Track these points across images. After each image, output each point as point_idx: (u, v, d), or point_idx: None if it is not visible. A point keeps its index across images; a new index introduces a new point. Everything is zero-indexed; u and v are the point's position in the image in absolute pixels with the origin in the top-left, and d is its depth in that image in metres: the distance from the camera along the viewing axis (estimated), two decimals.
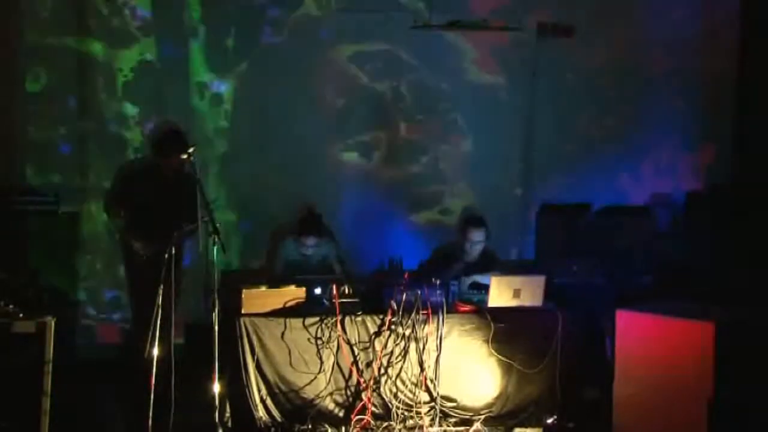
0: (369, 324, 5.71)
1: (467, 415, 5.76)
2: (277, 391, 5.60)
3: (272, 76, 7.39)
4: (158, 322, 5.09)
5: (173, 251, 5.23)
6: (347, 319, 5.67)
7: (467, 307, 5.87)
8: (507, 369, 5.83)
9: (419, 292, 5.68)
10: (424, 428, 5.63)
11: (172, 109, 7.20)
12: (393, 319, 5.67)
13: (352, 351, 5.68)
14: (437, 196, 7.72)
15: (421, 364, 5.72)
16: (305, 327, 5.62)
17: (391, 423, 5.63)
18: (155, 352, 5.11)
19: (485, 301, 5.85)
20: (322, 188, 7.45)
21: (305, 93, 7.47)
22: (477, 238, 6.34)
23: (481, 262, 6.36)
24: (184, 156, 5.41)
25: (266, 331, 5.57)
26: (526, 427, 5.79)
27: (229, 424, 5.49)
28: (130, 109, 7.18)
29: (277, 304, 5.64)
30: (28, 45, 7.00)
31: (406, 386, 5.73)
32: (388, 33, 7.53)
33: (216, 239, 5.19)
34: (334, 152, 7.57)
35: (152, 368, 5.09)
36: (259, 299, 5.62)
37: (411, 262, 6.43)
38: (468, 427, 5.71)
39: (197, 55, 7.28)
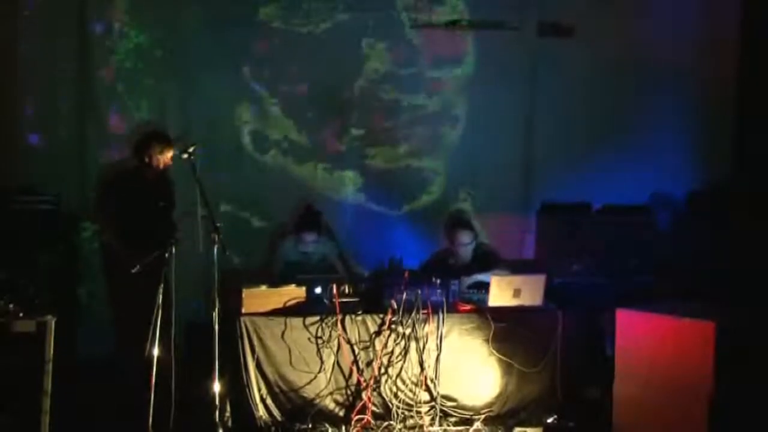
0: (369, 323, 5.72)
1: (467, 414, 5.77)
2: (277, 390, 5.60)
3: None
4: (158, 322, 5.10)
5: (173, 250, 5.24)
6: (347, 318, 5.67)
7: (467, 307, 5.87)
8: (507, 368, 5.83)
9: (419, 291, 5.68)
10: (425, 428, 5.64)
11: (173, 108, 7.21)
12: (393, 319, 5.68)
13: (353, 350, 5.69)
14: (437, 196, 7.71)
15: (421, 363, 5.73)
16: (305, 326, 5.63)
17: (392, 422, 5.64)
18: (155, 352, 5.11)
19: (485, 301, 5.86)
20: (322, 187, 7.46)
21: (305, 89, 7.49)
22: (464, 241, 6.39)
23: (482, 261, 6.37)
24: (185, 155, 5.42)
25: (266, 330, 5.58)
26: (526, 426, 5.79)
27: (229, 423, 5.50)
28: (131, 108, 7.17)
29: (278, 304, 5.65)
30: (28, 45, 6.99)
31: (407, 386, 5.74)
32: (388, 32, 7.52)
33: (216, 238, 5.19)
34: (334, 151, 7.57)
35: (152, 368, 5.09)
36: (259, 299, 5.63)
37: (411, 261, 6.42)
38: (468, 427, 5.72)
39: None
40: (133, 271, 5.46)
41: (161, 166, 5.97)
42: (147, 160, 5.96)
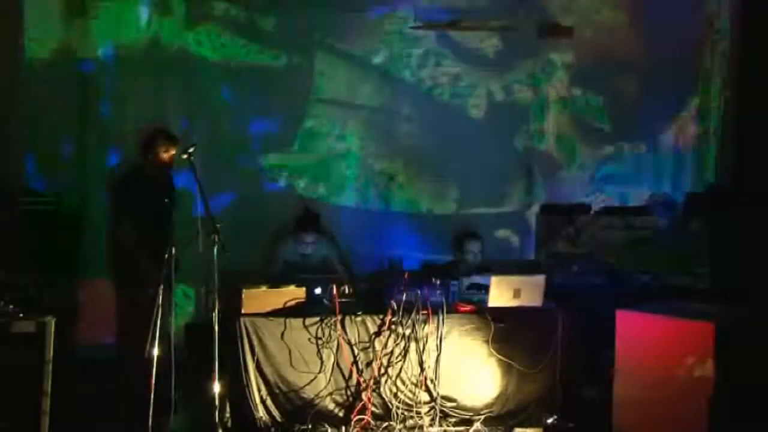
0: (369, 324, 5.71)
1: (467, 415, 5.76)
2: (277, 391, 5.60)
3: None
4: (158, 322, 5.10)
5: (173, 251, 5.24)
6: (347, 318, 5.67)
7: (467, 307, 5.86)
8: (507, 369, 5.83)
9: (419, 292, 5.68)
10: (424, 428, 5.63)
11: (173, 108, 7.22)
12: (393, 319, 5.68)
13: (352, 351, 5.68)
14: (437, 196, 7.72)
15: (421, 364, 5.72)
16: (305, 327, 5.62)
17: (391, 423, 5.63)
18: (155, 352, 5.11)
19: (485, 301, 5.85)
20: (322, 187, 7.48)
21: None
22: (475, 249, 6.39)
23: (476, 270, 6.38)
24: (185, 155, 5.42)
25: (266, 331, 5.57)
26: (526, 427, 5.79)
27: (229, 424, 5.49)
28: (132, 110, 7.17)
29: (277, 304, 5.64)
30: (29, 46, 7.00)
31: (406, 386, 5.73)
32: (388, 32, 7.54)
33: (216, 239, 5.19)
34: (334, 151, 7.58)
35: (152, 368, 5.10)
36: (259, 299, 5.62)
37: (411, 262, 6.43)
38: (468, 427, 5.71)
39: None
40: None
41: (164, 163, 5.97)
42: (150, 156, 5.96)
